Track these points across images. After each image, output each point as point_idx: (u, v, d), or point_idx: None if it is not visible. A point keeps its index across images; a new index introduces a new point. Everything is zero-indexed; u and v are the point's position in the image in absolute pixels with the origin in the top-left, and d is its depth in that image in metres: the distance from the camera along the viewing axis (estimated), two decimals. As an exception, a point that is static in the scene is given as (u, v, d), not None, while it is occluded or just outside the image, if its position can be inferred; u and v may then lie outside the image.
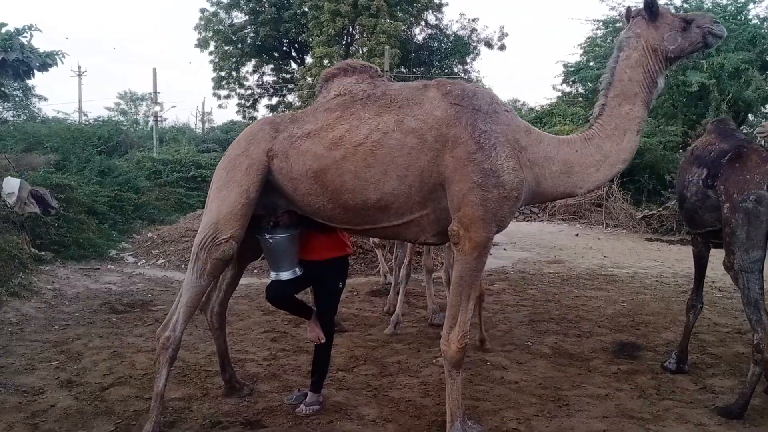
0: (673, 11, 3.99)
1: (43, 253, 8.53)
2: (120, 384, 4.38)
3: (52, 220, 9.16)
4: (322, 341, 3.94)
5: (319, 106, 3.59)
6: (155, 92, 28.16)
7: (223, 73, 32.86)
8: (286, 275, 3.80)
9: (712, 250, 4.92)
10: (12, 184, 8.73)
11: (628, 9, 3.63)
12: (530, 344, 5.82)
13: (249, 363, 5.02)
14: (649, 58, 3.40)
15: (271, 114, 30.91)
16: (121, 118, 38.27)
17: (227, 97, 33.80)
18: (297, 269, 3.85)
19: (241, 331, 5.97)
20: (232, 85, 33.55)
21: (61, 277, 8.06)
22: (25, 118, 31.62)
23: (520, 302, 7.80)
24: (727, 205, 4.15)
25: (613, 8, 16.93)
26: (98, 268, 8.84)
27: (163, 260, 9.56)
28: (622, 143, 3.41)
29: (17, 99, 38.55)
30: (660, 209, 18.22)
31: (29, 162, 13.32)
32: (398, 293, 6.41)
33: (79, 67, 41.48)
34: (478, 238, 3.26)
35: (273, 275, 3.83)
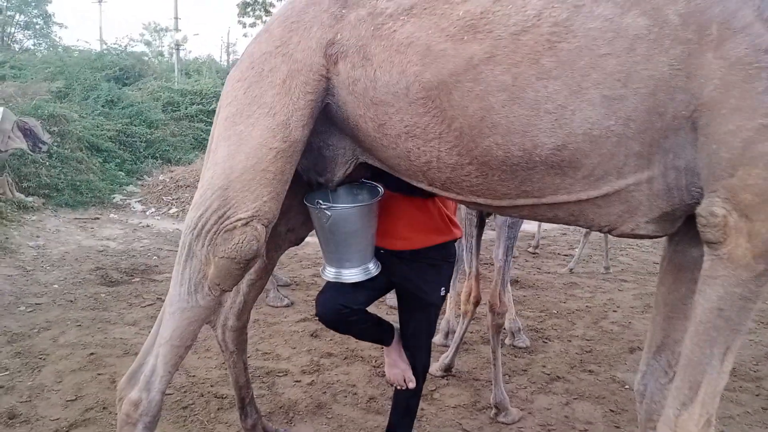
0: None
1: (29, 198, 7.04)
2: (85, 425, 2.84)
3: (43, 159, 7.63)
4: (411, 385, 2.32)
5: None
6: (176, 18, 26.14)
7: (248, -1, 30.52)
8: (353, 275, 2.15)
9: None
10: (-9, 113, 7.16)
11: None
12: None
13: (281, 378, 3.46)
14: None
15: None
16: (146, 49, 36.37)
17: (252, 25, 31.44)
18: (371, 265, 2.19)
19: (268, 318, 4.40)
20: (258, 12, 31.11)
21: (49, 229, 6.56)
22: (45, 46, 30.31)
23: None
24: None
25: None
26: (98, 218, 7.32)
27: (176, 209, 8.00)
28: None
29: (37, 27, 37.19)
30: None
31: (36, 90, 11.77)
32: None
33: (99, -8, 39.42)
34: None
35: (331, 274, 2.18)
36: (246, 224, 1.74)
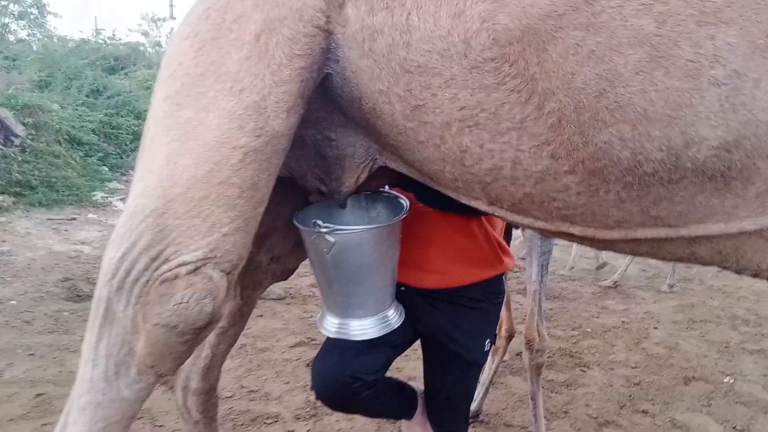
0: None
1: (-1, 197, 6.37)
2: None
3: (15, 153, 6.95)
4: (443, 476, 1.67)
5: None
6: (171, 6, 25.40)
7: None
8: (366, 329, 1.49)
9: None
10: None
11: None
12: None
13: (270, 427, 2.81)
14: None
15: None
16: (142, 39, 35.70)
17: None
18: (391, 312, 1.53)
19: (257, 342, 3.75)
20: None
21: (18, 232, 5.89)
22: (40, 36, 29.62)
23: None
24: None
25: None
26: (74, 219, 6.65)
27: (161, 208, 7.33)
28: None
29: (32, 17, 36.52)
30: None
31: (16, 80, 11.08)
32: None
33: (93, -19, 38.76)
34: None
35: (333, 327, 1.52)
36: (194, 271, 1.06)
